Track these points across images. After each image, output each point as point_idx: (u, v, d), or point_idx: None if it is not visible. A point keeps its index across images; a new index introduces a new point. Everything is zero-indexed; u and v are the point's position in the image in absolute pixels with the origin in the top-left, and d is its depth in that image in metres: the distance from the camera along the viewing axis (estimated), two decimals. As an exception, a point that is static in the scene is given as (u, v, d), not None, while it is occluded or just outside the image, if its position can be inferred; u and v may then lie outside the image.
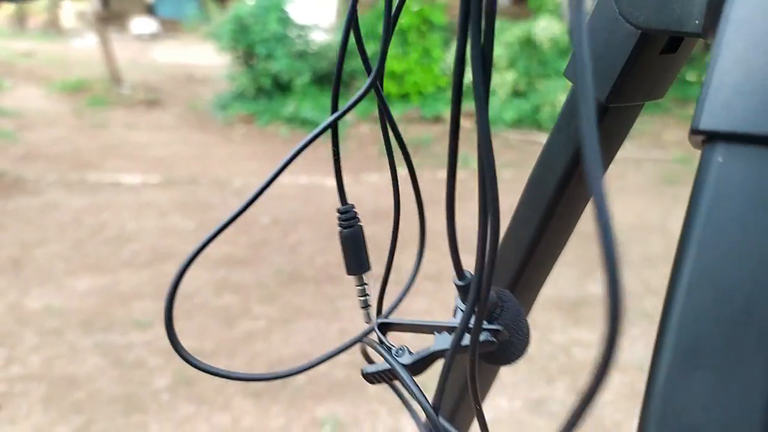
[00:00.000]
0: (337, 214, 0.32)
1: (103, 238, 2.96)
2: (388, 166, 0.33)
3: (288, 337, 2.16)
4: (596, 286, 2.65)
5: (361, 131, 5.42)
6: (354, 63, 5.91)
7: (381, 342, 0.28)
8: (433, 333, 0.27)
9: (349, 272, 0.31)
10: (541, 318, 2.32)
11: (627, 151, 5.09)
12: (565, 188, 0.34)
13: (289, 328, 2.21)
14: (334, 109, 0.30)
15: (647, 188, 4.17)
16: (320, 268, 2.75)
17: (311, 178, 4.18)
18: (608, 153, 0.34)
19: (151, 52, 9.93)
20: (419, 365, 0.27)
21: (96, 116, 5.56)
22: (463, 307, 0.24)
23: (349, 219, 0.31)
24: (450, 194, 0.23)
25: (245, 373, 0.28)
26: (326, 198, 3.76)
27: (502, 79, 5.53)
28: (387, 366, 0.27)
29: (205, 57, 8.69)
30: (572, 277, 2.74)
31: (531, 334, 0.28)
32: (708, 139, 0.17)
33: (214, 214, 3.37)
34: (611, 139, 0.34)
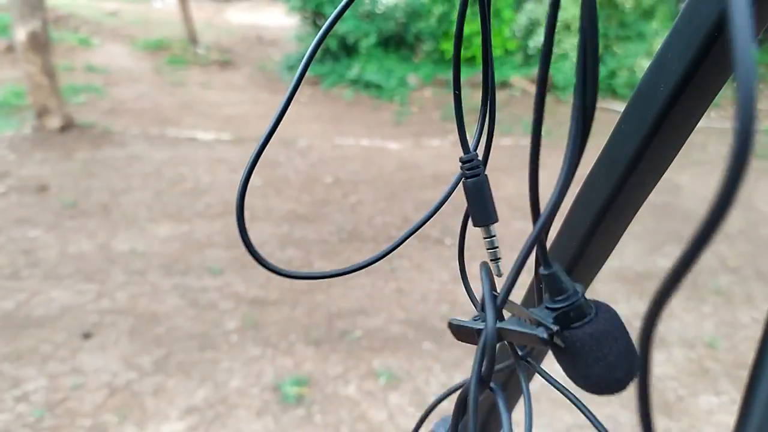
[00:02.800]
0: (460, 163, 0.30)
1: (180, 189, 3.18)
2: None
3: (346, 291, 2.26)
4: (664, 260, 2.54)
5: (424, 95, 5.36)
6: (421, 24, 5.79)
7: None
8: (520, 316, 0.26)
9: (476, 224, 0.30)
10: (603, 289, 2.28)
11: (710, 120, 4.72)
12: (637, 167, 0.31)
13: (347, 283, 2.31)
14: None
15: (731, 163, 3.88)
16: (379, 228, 2.82)
17: (373, 140, 4.22)
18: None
19: (225, 14, 10.19)
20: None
21: (174, 74, 5.85)
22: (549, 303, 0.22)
23: (472, 168, 0.29)
24: (533, 181, 0.21)
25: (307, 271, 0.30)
26: (387, 161, 3.80)
27: (576, 42, 5.23)
28: (466, 323, 0.26)
29: (274, 18, 8.82)
30: (640, 250, 2.64)
31: (632, 376, 0.23)
32: None
33: (280, 171, 3.50)
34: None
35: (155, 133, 4.06)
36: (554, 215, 0.20)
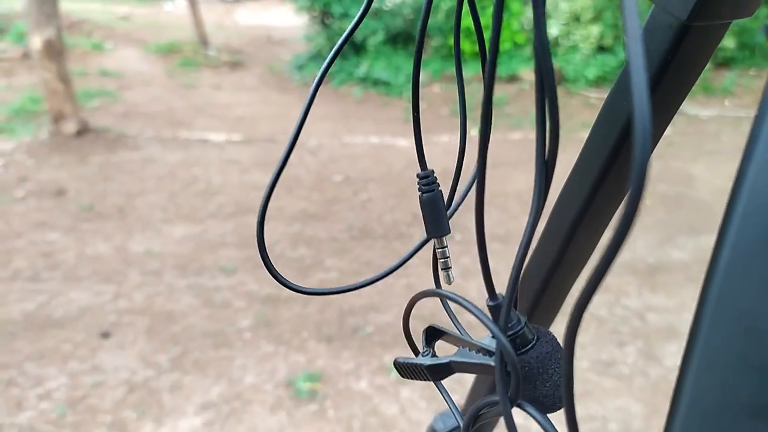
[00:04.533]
0: (417, 179, 0.32)
1: (193, 190, 3.23)
2: (458, 127, 0.34)
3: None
4: (677, 252, 2.52)
5: (433, 91, 5.36)
6: (429, 20, 5.78)
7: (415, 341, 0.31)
8: (465, 347, 0.28)
9: (429, 235, 0.32)
10: (615, 282, 2.27)
11: (725, 109, 4.64)
12: (595, 197, 0.33)
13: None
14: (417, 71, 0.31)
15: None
16: (390, 226, 2.84)
17: (382, 138, 4.23)
18: (688, 79, 0.31)
19: (235, 15, 10.26)
20: (436, 370, 0.28)
21: (186, 77, 5.92)
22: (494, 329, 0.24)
23: (429, 184, 0.32)
24: (479, 213, 0.23)
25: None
26: (397, 158, 3.81)
27: (587, 33, 5.18)
28: (414, 360, 0.29)
29: (283, 18, 8.86)
30: (651, 241, 2.62)
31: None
32: None
33: (290, 171, 3.54)
34: (691, 63, 0.30)
35: (168, 136, 4.13)
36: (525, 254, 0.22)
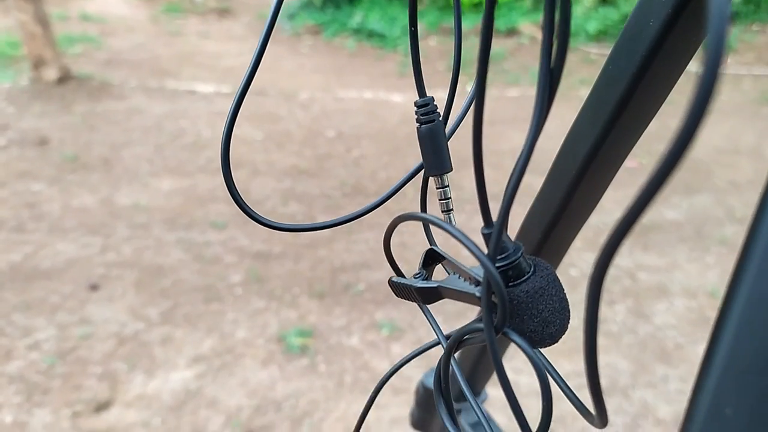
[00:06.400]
0: (415, 108, 0.29)
1: (181, 143, 3.14)
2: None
3: (350, 245, 2.27)
4: (671, 212, 2.52)
5: (429, 44, 5.19)
6: (427, -31, 5.52)
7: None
8: (458, 274, 0.26)
9: (428, 173, 0.29)
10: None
11: (726, 66, 4.57)
12: (609, 134, 0.31)
13: (351, 237, 2.31)
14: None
15: (743, 108, 3.78)
16: (383, 183, 2.80)
17: (376, 93, 4.12)
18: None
19: (221, -43, 9.76)
20: (425, 293, 0.27)
21: (171, 24, 5.67)
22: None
23: (428, 113, 0.28)
24: (477, 137, 0.20)
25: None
26: (391, 114, 3.72)
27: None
28: (406, 281, 0.28)
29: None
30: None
31: (559, 325, 0.24)
32: None
33: (281, 125, 3.45)
34: None
35: (154, 86, 3.98)
36: (522, 174, 0.20)
